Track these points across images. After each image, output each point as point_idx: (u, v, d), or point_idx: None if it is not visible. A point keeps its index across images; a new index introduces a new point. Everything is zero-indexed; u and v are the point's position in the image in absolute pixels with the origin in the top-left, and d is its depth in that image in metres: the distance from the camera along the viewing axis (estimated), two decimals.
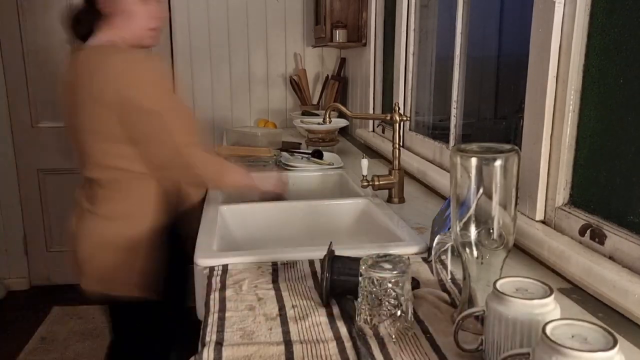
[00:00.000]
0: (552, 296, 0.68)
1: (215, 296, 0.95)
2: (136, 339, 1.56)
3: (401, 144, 1.96)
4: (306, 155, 2.12)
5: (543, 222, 1.10)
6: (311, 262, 1.09)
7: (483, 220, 0.78)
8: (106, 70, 1.32)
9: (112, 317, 1.54)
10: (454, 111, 1.69)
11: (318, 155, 2.11)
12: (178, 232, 1.49)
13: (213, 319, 0.87)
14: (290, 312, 0.89)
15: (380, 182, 1.54)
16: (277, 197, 1.59)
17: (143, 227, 1.42)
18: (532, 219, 1.11)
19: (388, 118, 1.55)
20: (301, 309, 0.91)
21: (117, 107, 1.31)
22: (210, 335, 0.82)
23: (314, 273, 1.04)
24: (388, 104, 2.40)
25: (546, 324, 0.60)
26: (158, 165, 1.40)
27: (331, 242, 0.97)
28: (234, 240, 1.43)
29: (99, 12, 1.39)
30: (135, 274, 1.43)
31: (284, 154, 2.13)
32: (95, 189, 1.43)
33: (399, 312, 0.80)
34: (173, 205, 1.48)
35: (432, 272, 1.04)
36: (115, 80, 1.31)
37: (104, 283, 1.45)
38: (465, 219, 0.79)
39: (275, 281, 1.02)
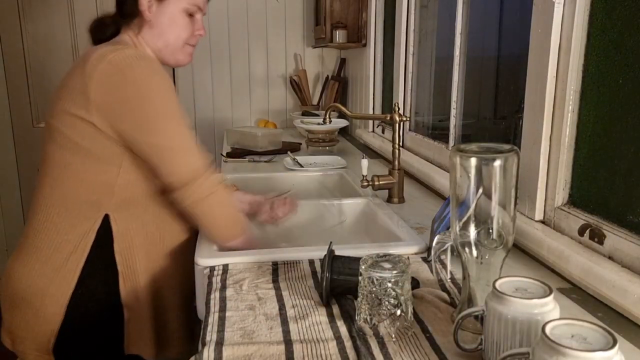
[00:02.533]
0: (552, 296, 0.69)
1: (215, 296, 0.95)
2: None
3: (401, 144, 1.96)
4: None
5: (542, 222, 1.10)
6: (311, 262, 1.09)
7: (482, 220, 0.78)
8: (103, 64, 1.12)
9: None
10: (453, 111, 1.69)
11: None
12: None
13: (213, 318, 0.87)
14: (290, 312, 0.89)
15: (380, 182, 1.54)
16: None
17: (64, 270, 1.18)
18: (531, 218, 1.11)
19: (388, 118, 1.55)
20: (301, 308, 0.91)
21: (108, 104, 1.12)
22: (211, 335, 0.82)
23: (314, 273, 1.05)
24: (388, 104, 2.40)
25: (546, 323, 0.60)
26: (165, 184, 1.19)
27: (331, 242, 0.98)
28: None
29: (130, 16, 1.25)
30: (47, 335, 1.20)
31: (287, 159, 2.13)
32: (32, 206, 1.25)
33: (398, 312, 0.80)
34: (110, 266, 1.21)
35: (431, 272, 1.04)
36: (111, 76, 1.12)
37: (15, 342, 1.25)
38: (464, 219, 0.79)
39: (275, 281, 1.02)
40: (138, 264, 1.23)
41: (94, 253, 1.18)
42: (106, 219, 1.19)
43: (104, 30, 1.29)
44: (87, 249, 1.18)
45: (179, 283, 1.31)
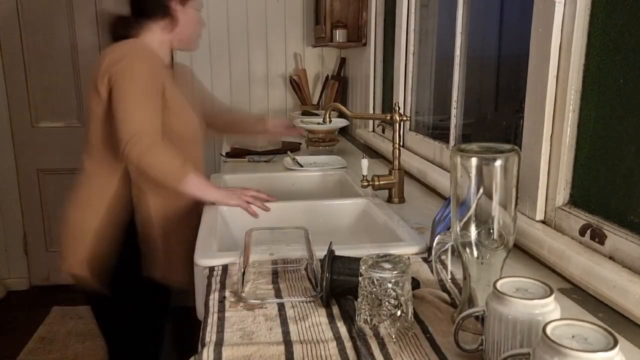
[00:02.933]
0: (553, 296, 0.68)
1: (215, 296, 0.95)
2: (120, 338, 1.65)
3: (401, 144, 1.96)
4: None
5: (543, 222, 1.10)
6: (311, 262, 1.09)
7: (483, 220, 0.78)
8: (111, 55, 1.47)
9: (93, 313, 1.66)
10: (454, 111, 1.69)
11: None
12: (138, 233, 1.55)
13: (213, 319, 0.87)
14: (290, 312, 0.89)
15: (381, 182, 1.54)
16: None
17: (100, 217, 1.53)
18: (532, 219, 1.11)
19: (388, 118, 1.55)
20: (301, 309, 0.90)
21: (103, 85, 1.45)
22: (210, 336, 0.82)
23: (314, 273, 1.04)
24: (388, 104, 2.40)
25: (546, 324, 0.60)
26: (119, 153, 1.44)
27: (331, 242, 0.97)
28: (234, 241, 1.43)
29: (155, 17, 1.56)
30: (95, 264, 1.54)
31: (287, 159, 2.13)
32: (79, 176, 1.59)
33: (399, 312, 0.80)
34: (131, 203, 1.55)
35: (432, 272, 1.04)
36: (112, 63, 1.45)
37: (64, 261, 1.59)
38: (465, 219, 0.79)
39: (275, 281, 1.02)
40: (150, 202, 1.54)
41: (118, 196, 1.54)
42: (125, 170, 1.53)
43: (126, 27, 1.57)
44: (112, 192, 1.53)
45: (185, 222, 1.57)
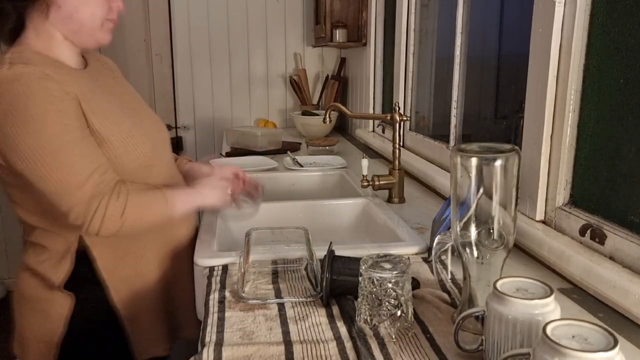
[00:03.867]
0: (553, 296, 0.68)
1: (214, 296, 0.95)
2: None
3: (401, 144, 1.96)
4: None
5: (543, 222, 1.10)
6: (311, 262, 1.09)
7: (483, 220, 0.78)
8: None
9: None
10: (454, 111, 1.69)
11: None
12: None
13: (213, 319, 0.87)
14: (290, 312, 0.89)
15: (381, 182, 1.54)
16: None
17: (57, 289, 1.16)
18: (532, 219, 1.11)
19: (388, 118, 1.55)
20: (301, 309, 0.90)
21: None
22: (210, 336, 0.82)
23: (314, 273, 1.04)
24: (388, 104, 2.40)
25: (546, 324, 0.60)
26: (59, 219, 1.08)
27: (331, 242, 0.97)
28: (234, 240, 1.43)
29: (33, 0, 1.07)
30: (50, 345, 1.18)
31: (287, 159, 2.13)
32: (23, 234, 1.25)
33: (399, 312, 0.80)
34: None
35: (432, 272, 1.04)
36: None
37: (18, 347, 1.24)
38: (465, 219, 0.79)
39: (275, 281, 1.02)
40: (126, 271, 1.18)
41: (78, 271, 1.15)
42: (82, 240, 1.15)
43: (7, 19, 1.09)
44: (70, 268, 1.14)
45: (184, 270, 1.24)
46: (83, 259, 1.15)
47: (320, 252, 0.96)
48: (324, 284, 0.89)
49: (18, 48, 1.08)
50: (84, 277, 1.15)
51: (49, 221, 1.15)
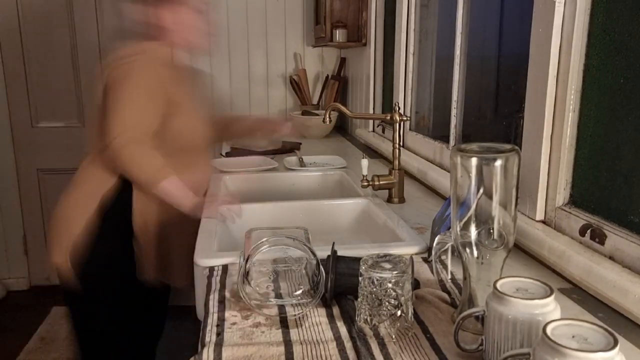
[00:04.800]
0: (553, 296, 0.68)
1: (214, 296, 0.95)
2: (97, 344, 1.60)
3: (401, 143, 1.97)
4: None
5: (543, 222, 1.10)
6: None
7: (483, 220, 0.78)
8: (114, 57, 1.52)
9: (71, 314, 1.63)
10: (454, 111, 1.69)
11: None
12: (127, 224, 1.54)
13: (213, 319, 0.87)
14: (290, 312, 0.89)
15: (380, 182, 1.54)
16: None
17: (90, 213, 1.51)
18: (532, 218, 1.11)
19: (388, 118, 1.55)
20: (301, 308, 0.90)
21: (104, 86, 1.48)
22: (210, 336, 0.82)
23: (314, 273, 1.04)
24: (388, 104, 2.40)
25: (546, 324, 0.60)
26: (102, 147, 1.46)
27: (334, 243, 0.97)
28: (234, 240, 1.43)
29: (154, 35, 1.58)
30: (78, 256, 1.52)
31: (291, 159, 2.12)
32: (75, 175, 1.60)
33: (399, 312, 0.80)
34: (127, 203, 1.53)
35: (432, 272, 1.04)
36: (113, 66, 1.49)
37: (48, 253, 1.57)
38: (465, 219, 0.79)
39: (275, 281, 1.01)
40: (151, 203, 1.53)
41: (115, 190, 1.52)
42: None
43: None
44: (109, 186, 1.52)
45: (185, 226, 1.51)
46: (123, 182, 1.52)
47: (321, 252, 0.96)
48: (329, 284, 0.89)
49: (143, 44, 1.59)
50: (117, 194, 1.53)
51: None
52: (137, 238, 1.54)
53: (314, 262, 0.96)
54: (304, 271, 1.06)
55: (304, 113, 2.92)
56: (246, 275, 0.94)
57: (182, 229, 1.58)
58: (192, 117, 1.60)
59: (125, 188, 1.53)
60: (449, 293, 0.95)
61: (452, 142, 1.70)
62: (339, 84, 3.05)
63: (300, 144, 2.49)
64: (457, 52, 1.66)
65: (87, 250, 1.51)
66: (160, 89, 1.51)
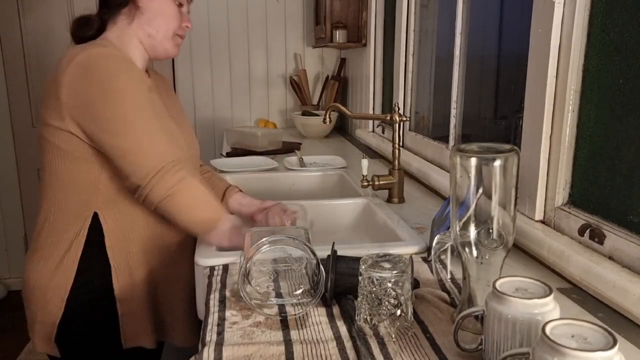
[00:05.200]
0: (552, 296, 0.69)
1: (215, 296, 0.95)
2: None
3: (401, 144, 1.97)
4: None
5: (542, 222, 1.10)
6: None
7: (483, 220, 0.78)
8: (71, 66, 1.15)
9: None
10: (454, 111, 1.69)
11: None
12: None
13: (213, 319, 0.87)
14: (290, 312, 0.89)
15: (380, 182, 1.54)
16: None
17: (70, 280, 1.22)
18: (531, 218, 1.11)
19: (388, 118, 1.55)
20: (301, 308, 0.90)
21: (77, 106, 1.15)
22: (211, 335, 0.82)
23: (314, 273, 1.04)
24: (388, 104, 2.40)
25: (546, 323, 0.60)
26: (126, 183, 1.18)
27: (334, 243, 0.98)
28: None
29: (118, 6, 1.26)
30: (68, 342, 1.26)
31: (291, 159, 2.13)
32: (38, 208, 1.27)
33: (398, 312, 0.80)
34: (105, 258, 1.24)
35: (431, 272, 1.04)
36: (77, 78, 1.14)
37: (30, 334, 1.28)
38: (464, 219, 0.79)
39: (275, 281, 1.02)
40: (132, 259, 1.26)
41: (88, 250, 1.22)
42: (96, 217, 1.22)
43: (89, 25, 1.30)
44: (81, 246, 1.22)
45: (180, 275, 1.32)
46: (93, 240, 1.23)
47: (321, 252, 0.96)
48: (329, 284, 0.89)
49: (104, 40, 1.25)
50: (91, 257, 1.23)
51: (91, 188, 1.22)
52: (120, 301, 1.25)
53: (314, 261, 0.96)
54: (304, 271, 1.06)
55: (304, 113, 2.92)
56: (246, 274, 0.94)
57: (176, 277, 1.33)
58: (183, 130, 1.34)
59: (97, 243, 1.23)
60: (448, 293, 0.95)
61: (451, 142, 1.70)
62: (339, 84, 3.06)
63: (301, 144, 2.50)
64: (457, 52, 1.67)
65: (72, 328, 1.25)
66: (148, 93, 1.23)
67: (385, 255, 0.84)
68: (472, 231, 0.79)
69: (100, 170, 1.20)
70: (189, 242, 1.30)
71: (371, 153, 2.32)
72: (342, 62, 3.12)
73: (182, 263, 1.32)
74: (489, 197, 0.77)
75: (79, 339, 1.27)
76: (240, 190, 1.50)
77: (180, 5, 1.31)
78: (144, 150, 1.16)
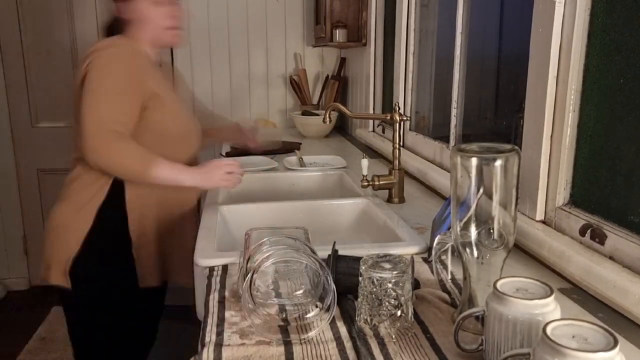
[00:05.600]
0: (553, 296, 0.68)
1: (214, 296, 0.95)
2: (98, 345, 1.57)
3: (401, 144, 1.96)
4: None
5: (543, 222, 1.10)
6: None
7: (483, 220, 0.78)
8: (93, 49, 1.43)
9: (67, 317, 1.58)
10: (454, 111, 1.69)
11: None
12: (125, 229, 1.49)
13: (213, 319, 0.87)
14: (290, 312, 0.89)
15: (380, 182, 1.54)
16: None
17: (89, 223, 1.45)
18: (532, 219, 1.11)
19: (388, 118, 1.55)
20: (301, 308, 0.90)
21: (82, 84, 1.40)
22: (210, 336, 0.82)
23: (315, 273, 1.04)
24: (388, 104, 2.40)
25: (546, 324, 0.60)
26: (80, 149, 1.39)
27: (335, 242, 0.97)
28: (233, 240, 1.43)
29: (121, 19, 1.53)
30: (81, 275, 1.48)
31: (291, 159, 2.13)
32: (67, 176, 1.53)
33: (399, 312, 0.80)
34: (122, 206, 1.48)
35: (432, 272, 1.04)
36: (92, 56, 1.41)
37: (46, 269, 1.51)
38: (465, 219, 0.79)
39: (275, 281, 1.01)
40: (146, 212, 1.50)
41: (108, 200, 1.46)
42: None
43: (113, 32, 1.57)
44: (103, 196, 1.46)
45: (185, 229, 1.56)
46: (114, 192, 1.47)
47: (321, 252, 0.96)
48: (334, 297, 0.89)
49: (122, 37, 1.53)
50: (111, 207, 1.47)
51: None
52: (136, 246, 1.50)
53: (317, 264, 0.96)
54: (304, 271, 1.06)
55: (304, 113, 2.92)
56: (246, 275, 0.94)
57: (182, 230, 1.58)
58: (174, 109, 1.55)
59: (118, 195, 1.48)
60: (449, 293, 0.95)
61: (452, 142, 1.70)
62: (339, 84, 3.05)
63: (301, 144, 2.49)
64: (457, 52, 1.66)
65: (86, 265, 1.47)
66: (137, 79, 1.44)
67: (385, 255, 0.84)
68: (473, 231, 0.78)
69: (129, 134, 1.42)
70: (193, 202, 1.63)
71: (371, 153, 2.32)
72: (342, 61, 3.12)
73: (187, 219, 1.59)
74: (490, 197, 0.77)
75: (91, 275, 1.48)
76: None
77: (157, 3, 1.51)
78: (94, 112, 1.37)
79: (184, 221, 1.59)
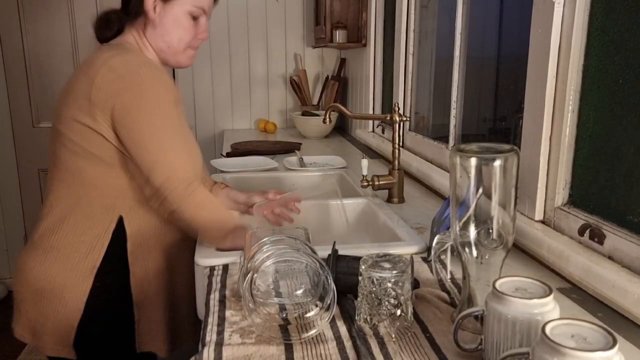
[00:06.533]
0: (552, 296, 0.69)
1: (215, 296, 0.95)
2: None
3: (401, 144, 1.97)
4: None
5: (542, 222, 1.10)
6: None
7: (482, 220, 0.78)
8: (110, 74, 1.15)
9: None
10: (453, 111, 1.69)
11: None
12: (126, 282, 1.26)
13: (213, 318, 0.87)
14: (290, 311, 0.89)
15: (380, 182, 1.54)
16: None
17: (89, 282, 1.21)
18: (531, 218, 1.11)
19: (388, 118, 1.55)
20: (301, 308, 0.90)
21: (109, 110, 1.15)
22: (211, 335, 0.82)
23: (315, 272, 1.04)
24: (388, 105, 2.40)
25: (545, 323, 0.60)
26: (145, 188, 1.19)
27: (335, 242, 0.98)
28: None
29: (135, 15, 1.25)
30: (83, 345, 1.24)
31: (291, 159, 2.12)
32: (46, 206, 1.26)
33: (398, 312, 0.80)
34: (124, 260, 1.25)
35: (431, 272, 1.04)
36: (113, 82, 1.14)
37: (35, 337, 1.25)
38: (464, 219, 0.79)
39: (275, 280, 1.02)
40: (150, 264, 1.28)
41: (109, 253, 1.23)
42: (120, 221, 1.23)
43: (109, 27, 1.29)
44: (103, 249, 1.22)
45: (183, 284, 1.33)
46: (114, 244, 1.23)
47: (321, 252, 0.96)
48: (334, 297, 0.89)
49: (130, 45, 1.26)
50: (111, 260, 1.23)
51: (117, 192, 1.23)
52: (138, 306, 1.27)
53: (317, 264, 0.96)
54: (305, 270, 1.06)
55: (304, 113, 2.92)
56: (247, 274, 0.94)
57: (188, 284, 1.30)
58: (192, 137, 1.32)
59: (117, 245, 1.24)
60: (448, 292, 0.95)
61: (451, 142, 1.70)
62: (339, 85, 3.06)
63: (300, 144, 2.50)
64: (457, 52, 1.67)
65: (88, 332, 1.23)
66: (176, 105, 1.23)
67: (385, 255, 0.84)
68: (472, 231, 0.79)
69: (132, 176, 1.21)
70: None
71: (371, 153, 2.32)
72: (342, 62, 3.13)
73: (188, 272, 1.28)
74: (489, 197, 0.77)
75: (94, 342, 1.25)
76: (227, 186, 1.49)
77: (195, 18, 1.28)
78: (167, 162, 1.17)
79: (184, 279, 1.32)
